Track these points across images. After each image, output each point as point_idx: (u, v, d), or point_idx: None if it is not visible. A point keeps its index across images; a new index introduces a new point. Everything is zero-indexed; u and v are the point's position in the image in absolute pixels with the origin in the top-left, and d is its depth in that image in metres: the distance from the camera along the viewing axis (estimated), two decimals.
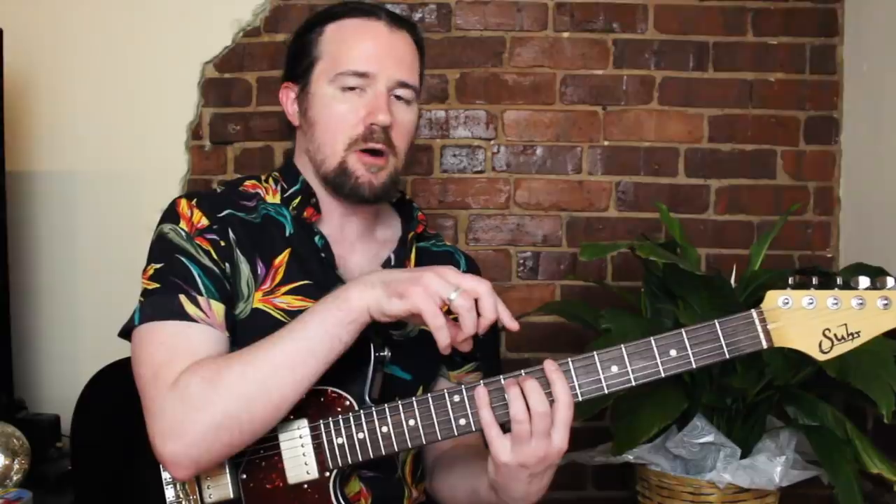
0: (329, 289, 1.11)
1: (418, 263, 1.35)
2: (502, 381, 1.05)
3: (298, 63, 1.29)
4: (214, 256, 1.17)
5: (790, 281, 1.02)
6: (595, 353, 1.04)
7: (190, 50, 2.08)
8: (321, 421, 1.10)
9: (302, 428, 1.11)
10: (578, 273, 2.07)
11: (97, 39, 2.09)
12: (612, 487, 2.05)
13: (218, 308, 1.15)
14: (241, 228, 1.22)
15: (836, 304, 0.99)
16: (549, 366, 1.03)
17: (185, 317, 1.12)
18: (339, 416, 1.10)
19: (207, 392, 1.04)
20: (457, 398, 1.06)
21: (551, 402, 1.02)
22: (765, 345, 1.00)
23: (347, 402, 1.11)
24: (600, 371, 1.04)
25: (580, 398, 1.04)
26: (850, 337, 0.99)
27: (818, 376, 1.50)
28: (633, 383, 1.03)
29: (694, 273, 1.49)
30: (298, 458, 1.11)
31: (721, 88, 2.09)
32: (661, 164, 2.09)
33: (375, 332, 1.16)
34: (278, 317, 1.18)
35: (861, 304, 0.98)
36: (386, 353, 1.16)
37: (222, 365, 1.06)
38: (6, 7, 2.05)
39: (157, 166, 2.09)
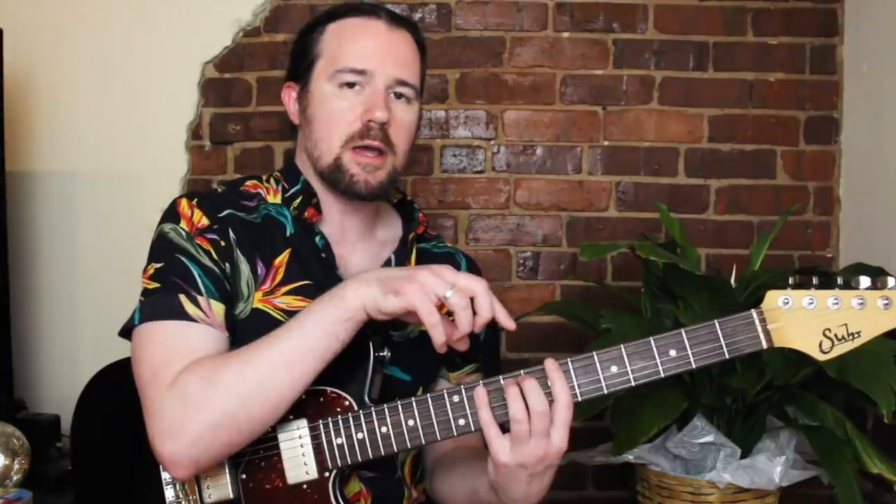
0: (329, 289, 1.11)
1: (419, 264, 1.34)
2: (501, 382, 1.05)
3: (300, 62, 1.30)
4: (214, 256, 1.17)
5: (790, 281, 1.02)
6: (595, 353, 1.04)
7: (190, 50, 2.08)
8: (321, 421, 1.10)
9: (301, 428, 1.11)
10: (578, 273, 2.07)
11: (97, 39, 2.09)
12: (612, 487, 2.05)
13: (218, 308, 1.15)
14: (241, 228, 1.22)
15: (837, 303, 0.99)
16: (550, 365, 1.03)
17: (185, 316, 1.12)
18: (339, 417, 1.10)
19: (206, 391, 1.04)
20: (456, 398, 1.06)
21: (550, 402, 1.02)
22: (765, 345, 1.00)
23: (347, 403, 1.11)
24: (600, 371, 1.04)
25: (580, 398, 1.04)
26: (851, 337, 0.99)
27: (818, 376, 1.50)
28: (633, 383, 1.03)
29: (694, 273, 1.49)
30: (298, 458, 1.11)
31: (721, 88, 2.09)
32: (661, 164, 2.09)
33: (375, 332, 1.16)
34: (278, 317, 1.18)
35: (861, 303, 0.98)
36: (385, 353, 1.16)
37: (220, 364, 1.06)
38: (6, 7, 2.05)
39: (157, 166, 2.09)
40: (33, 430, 1.68)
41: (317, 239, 1.26)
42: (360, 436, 1.09)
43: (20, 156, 2.05)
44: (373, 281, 1.06)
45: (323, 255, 1.25)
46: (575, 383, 1.04)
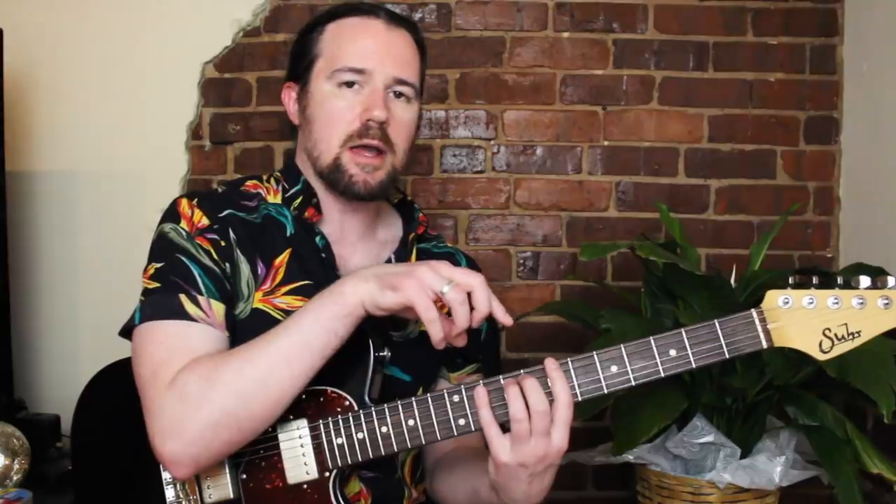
0: None
1: None
2: (502, 381, 1.05)
3: (299, 62, 1.30)
4: (215, 256, 1.17)
5: (790, 281, 1.02)
6: (595, 353, 1.04)
7: (190, 50, 2.08)
8: (321, 421, 1.10)
9: (302, 428, 1.11)
10: (578, 273, 2.07)
11: (97, 39, 2.09)
12: (612, 487, 2.05)
13: (218, 308, 1.15)
14: (241, 228, 1.22)
15: (837, 303, 0.99)
16: (550, 364, 1.03)
17: (186, 316, 1.12)
18: (339, 417, 1.10)
19: (205, 390, 1.04)
20: (456, 398, 1.06)
21: (551, 402, 1.02)
22: (765, 345, 1.00)
23: (347, 403, 1.11)
24: (600, 371, 1.04)
25: (580, 398, 1.04)
26: (851, 336, 0.99)
27: (818, 376, 1.50)
28: (633, 383, 1.03)
29: (694, 273, 1.49)
30: (298, 458, 1.11)
31: (721, 88, 2.09)
32: (661, 164, 2.09)
33: (375, 331, 1.16)
34: (278, 317, 1.18)
35: (861, 303, 0.98)
36: (386, 353, 1.16)
37: (220, 362, 1.06)
38: (6, 7, 2.05)
39: (158, 166, 2.09)
40: (33, 430, 1.68)
41: (317, 239, 1.26)
42: (360, 436, 1.09)
43: (20, 156, 2.05)
44: (370, 277, 1.06)
45: (323, 255, 1.25)
46: (575, 383, 1.04)
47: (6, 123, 1.85)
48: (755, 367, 1.52)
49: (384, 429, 1.08)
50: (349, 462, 1.10)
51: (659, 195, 2.06)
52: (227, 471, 1.12)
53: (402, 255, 1.33)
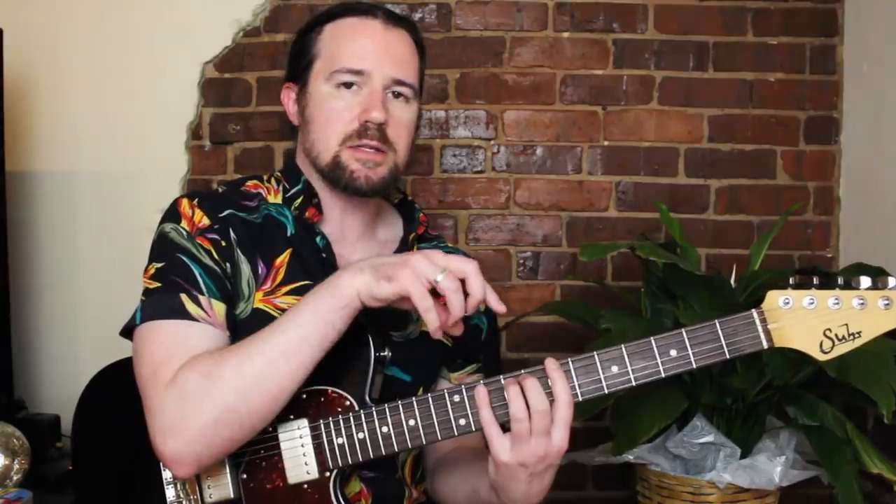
0: None
1: None
2: (502, 381, 1.05)
3: (298, 63, 1.30)
4: (215, 256, 1.17)
5: (791, 281, 1.02)
6: (595, 353, 1.04)
7: (190, 50, 2.08)
8: (321, 421, 1.11)
9: (302, 428, 1.11)
10: (578, 273, 2.07)
11: (97, 39, 2.09)
12: (612, 487, 2.05)
13: (219, 307, 1.15)
14: (242, 228, 1.22)
15: (837, 304, 0.99)
16: (550, 364, 1.03)
17: (187, 316, 1.12)
18: (340, 416, 1.10)
19: (205, 387, 1.04)
20: (457, 398, 1.07)
21: (551, 402, 1.02)
22: (765, 345, 1.01)
23: (348, 403, 1.11)
24: (600, 371, 1.04)
25: (580, 398, 1.04)
26: (851, 337, 0.99)
27: (818, 376, 1.50)
28: (634, 383, 1.03)
29: (694, 273, 1.49)
30: (299, 457, 1.11)
31: (721, 88, 2.09)
32: (661, 164, 2.09)
33: (376, 332, 1.16)
34: (279, 317, 1.18)
35: (862, 304, 0.98)
36: (386, 353, 1.16)
37: (219, 359, 1.06)
38: (6, 7, 2.05)
39: (158, 166, 2.09)
40: (33, 430, 1.68)
41: (317, 239, 1.26)
42: (360, 435, 1.09)
43: (20, 156, 2.05)
44: (366, 268, 1.07)
45: (323, 255, 1.25)
46: (576, 383, 1.04)
47: (6, 123, 1.85)
48: (755, 368, 1.52)
49: (385, 429, 1.08)
50: (350, 462, 1.10)
51: (659, 195, 2.06)
52: (228, 470, 1.12)
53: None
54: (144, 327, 1.13)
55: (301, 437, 1.11)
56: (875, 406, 1.32)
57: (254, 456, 1.13)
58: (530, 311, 1.92)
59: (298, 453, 1.11)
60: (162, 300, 1.13)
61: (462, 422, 1.06)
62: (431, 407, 1.07)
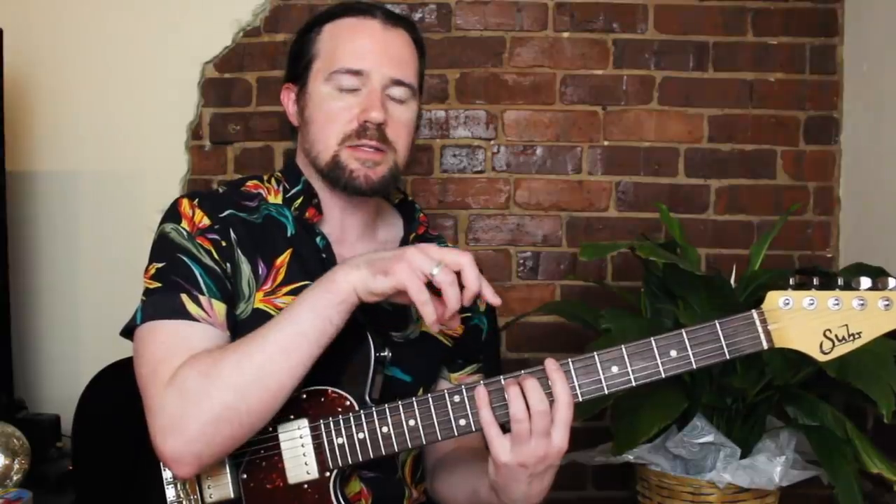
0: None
1: None
2: (502, 382, 1.05)
3: (297, 64, 1.30)
4: (216, 256, 1.18)
5: (791, 281, 1.02)
6: (595, 353, 1.04)
7: (190, 50, 2.08)
8: (321, 421, 1.11)
9: (302, 428, 1.11)
10: (578, 273, 2.07)
11: (97, 39, 2.09)
12: (612, 487, 2.06)
13: (219, 307, 1.15)
14: (242, 228, 1.22)
15: (837, 304, 0.99)
16: (550, 364, 1.04)
17: (187, 316, 1.12)
18: (340, 416, 1.10)
19: (205, 385, 1.04)
20: (457, 398, 1.07)
21: (551, 402, 1.02)
22: (765, 345, 1.01)
23: (348, 403, 1.11)
24: (600, 371, 1.04)
25: (580, 398, 1.04)
26: (851, 338, 0.99)
27: (818, 376, 1.50)
28: (634, 384, 1.03)
29: (694, 273, 1.49)
30: (299, 457, 1.11)
31: (721, 88, 2.09)
32: (661, 164, 2.09)
33: (376, 332, 1.16)
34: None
35: (862, 304, 0.98)
36: (387, 353, 1.16)
37: (218, 358, 1.06)
38: (6, 7, 2.05)
39: (158, 166, 2.09)
40: (33, 430, 1.68)
41: (317, 239, 1.26)
42: (360, 436, 1.09)
43: (20, 156, 2.05)
44: (362, 264, 1.07)
45: (323, 255, 1.25)
46: (576, 383, 1.04)
47: (6, 123, 1.85)
48: (755, 368, 1.52)
49: (385, 429, 1.08)
50: (350, 462, 1.10)
51: (659, 195, 2.06)
52: (228, 470, 1.12)
53: None
54: (145, 327, 1.13)
55: (301, 437, 1.11)
56: (875, 406, 1.32)
57: (254, 456, 1.13)
58: (530, 311, 1.92)
59: (298, 453, 1.11)
60: (162, 300, 1.13)
61: (462, 422, 1.06)
62: (431, 407, 1.07)
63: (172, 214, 1.21)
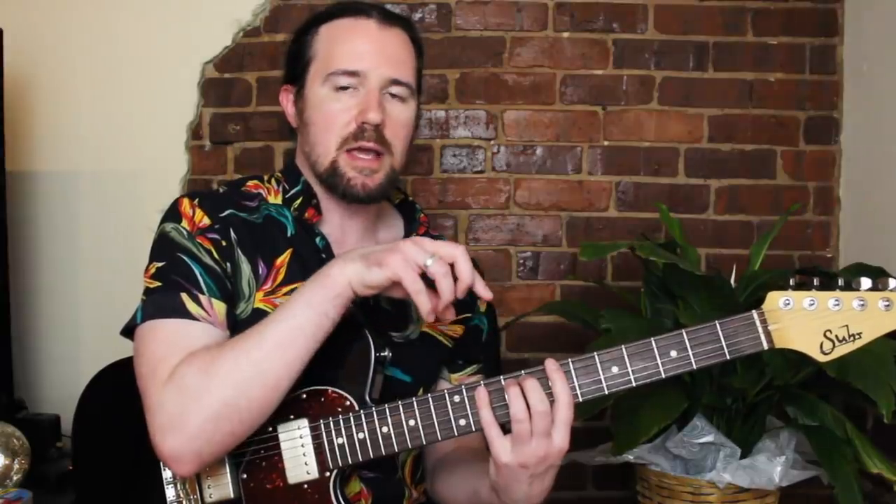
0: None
1: None
2: (502, 382, 1.05)
3: (295, 65, 1.30)
4: (216, 256, 1.18)
5: (791, 281, 1.02)
6: (595, 353, 1.04)
7: (190, 50, 2.08)
8: (322, 421, 1.11)
9: (302, 428, 1.11)
10: (578, 273, 2.07)
11: (97, 39, 2.09)
12: (612, 487, 2.06)
13: (219, 307, 1.15)
14: (242, 228, 1.22)
15: (838, 305, 0.99)
16: (550, 365, 1.03)
17: (187, 315, 1.12)
18: (340, 417, 1.10)
19: (204, 382, 1.04)
20: (457, 398, 1.07)
21: (551, 402, 1.02)
22: (766, 346, 1.01)
23: (348, 403, 1.11)
24: (601, 371, 1.04)
25: (580, 399, 1.04)
26: (852, 338, 0.99)
27: (818, 376, 1.50)
28: (634, 384, 1.03)
29: (694, 273, 1.49)
30: (299, 457, 1.11)
31: (721, 88, 2.09)
32: (661, 164, 2.09)
33: (376, 332, 1.16)
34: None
35: (862, 305, 0.98)
36: (387, 353, 1.16)
37: (216, 354, 1.06)
38: (6, 7, 2.05)
39: (158, 166, 2.09)
40: (33, 430, 1.68)
41: (317, 240, 1.26)
42: (360, 436, 1.09)
43: (20, 156, 2.05)
44: (356, 257, 1.07)
45: (323, 255, 1.25)
46: (576, 383, 1.04)
47: (6, 123, 1.85)
48: (755, 368, 1.52)
49: (385, 429, 1.08)
50: (350, 462, 1.10)
51: (659, 195, 2.06)
52: (228, 470, 1.12)
53: None
54: (145, 326, 1.13)
55: (301, 437, 1.11)
56: (875, 406, 1.32)
57: (254, 456, 1.13)
58: (530, 311, 1.92)
59: (298, 453, 1.11)
60: (162, 299, 1.13)
61: (462, 422, 1.06)
62: (431, 407, 1.07)
63: (173, 214, 1.21)
